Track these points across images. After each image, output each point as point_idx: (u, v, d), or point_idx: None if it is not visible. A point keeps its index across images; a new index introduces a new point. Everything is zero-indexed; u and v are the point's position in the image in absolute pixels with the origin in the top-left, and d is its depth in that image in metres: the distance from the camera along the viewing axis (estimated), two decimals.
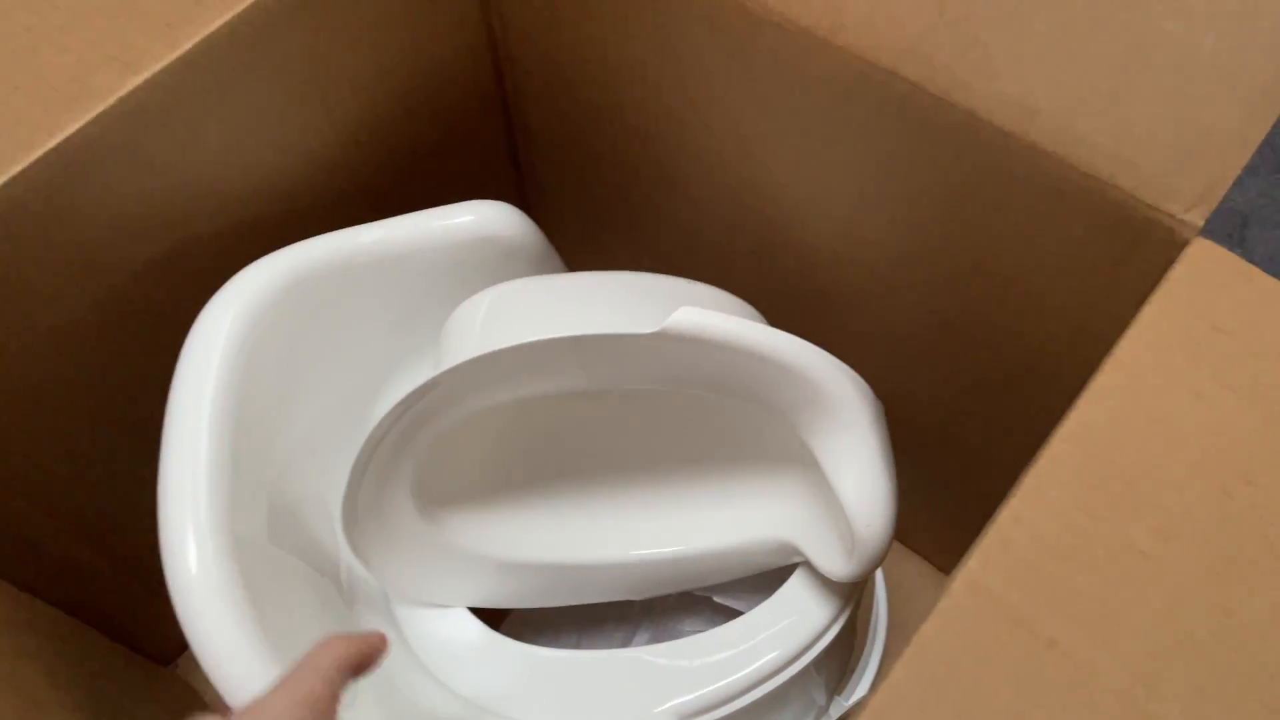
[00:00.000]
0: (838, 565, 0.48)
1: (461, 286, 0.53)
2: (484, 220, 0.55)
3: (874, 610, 0.62)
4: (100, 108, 0.44)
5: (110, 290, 0.50)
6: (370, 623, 0.52)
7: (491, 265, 0.55)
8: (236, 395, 0.46)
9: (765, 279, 0.60)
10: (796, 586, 0.51)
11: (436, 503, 0.52)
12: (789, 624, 0.50)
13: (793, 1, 0.45)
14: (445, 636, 0.53)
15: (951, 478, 0.64)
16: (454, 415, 0.47)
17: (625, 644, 0.59)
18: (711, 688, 0.49)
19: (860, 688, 0.56)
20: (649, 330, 0.43)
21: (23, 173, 0.43)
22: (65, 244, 0.47)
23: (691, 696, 0.49)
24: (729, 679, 0.49)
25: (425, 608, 0.53)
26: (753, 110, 0.51)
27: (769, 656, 0.49)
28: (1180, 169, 0.39)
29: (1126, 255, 0.40)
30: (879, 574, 0.65)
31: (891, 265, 0.53)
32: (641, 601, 0.58)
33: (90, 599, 0.60)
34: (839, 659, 0.54)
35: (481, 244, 0.55)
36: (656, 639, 0.59)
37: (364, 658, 0.36)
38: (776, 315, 0.54)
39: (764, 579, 0.54)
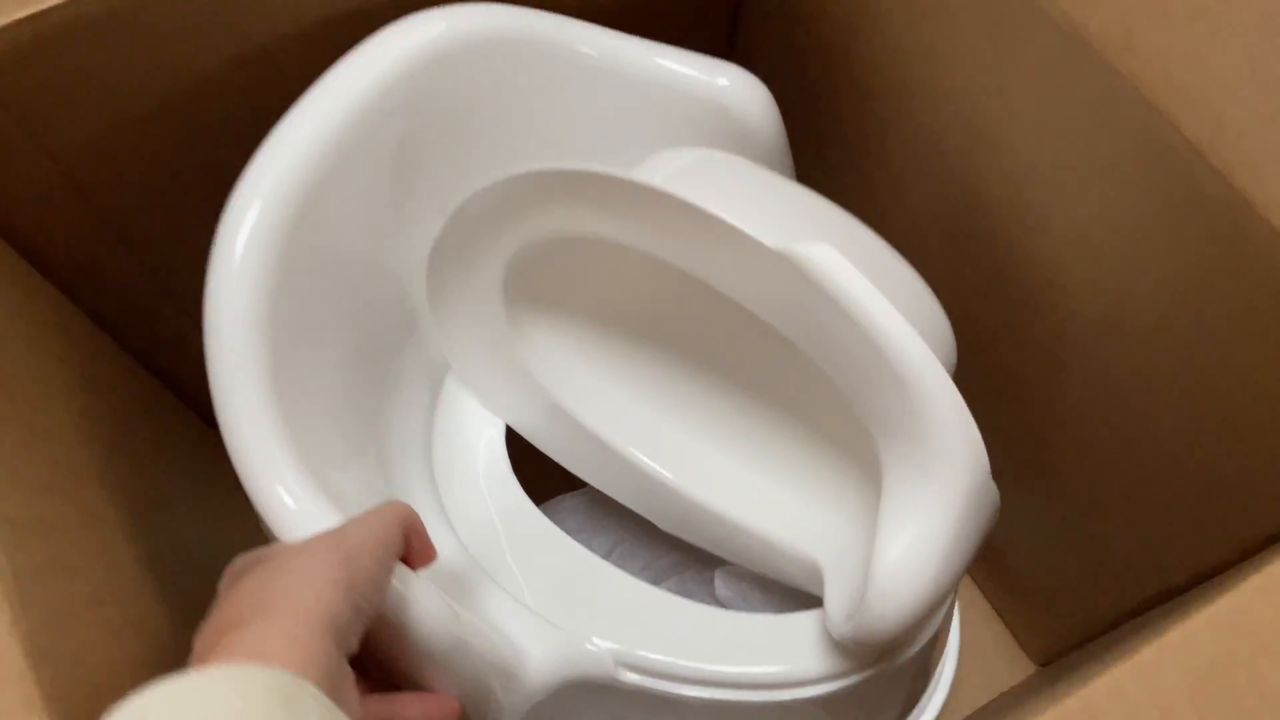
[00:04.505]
0: (836, 618, 0.41)
1: (666, 142, 0.48)
2: (737, 92, 0.49)
3: (943, 661, 0.57)
4: None
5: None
6: (406, 411, 0.50)
7: (719, 141, 0.49)
8: (368, 128, 0.43)
9: (949, 260, 0.53)
10: (814, 620, 0.45)
11: (524, 305, 0.48)
12: (776, 650, 0.44)
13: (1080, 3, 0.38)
14: (469, 451, 0.50)
15: (1082, 570, 0.58)
16: (567, 222, 0.42)
17: (656, 559, 0.55)
18: (660, 656, 0.43)
19: None
20: (770, 245, 0.37)
21: None
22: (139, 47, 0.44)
23: (638, 651, 0.43)
24: (681, 660, 0.43)
25: (462, 420, 0.51)
26: (991, 80, 0.45)
27: (731, 669, 0.43)
28: None
29: None
30: (954, 630, 0.59)
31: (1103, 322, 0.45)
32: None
33: (157, 353, 0.59)
34: (860, 707, 0.47)
35: (719, 115, 0.49)
36: (692, 581, 0.54)
37: (419, 538, 0.36)
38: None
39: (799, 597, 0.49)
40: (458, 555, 0.45)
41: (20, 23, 0.40)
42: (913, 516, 0.37)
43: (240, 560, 0.33)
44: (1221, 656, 0.29)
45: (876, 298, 0.37)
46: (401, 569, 0.34)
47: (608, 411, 0.50)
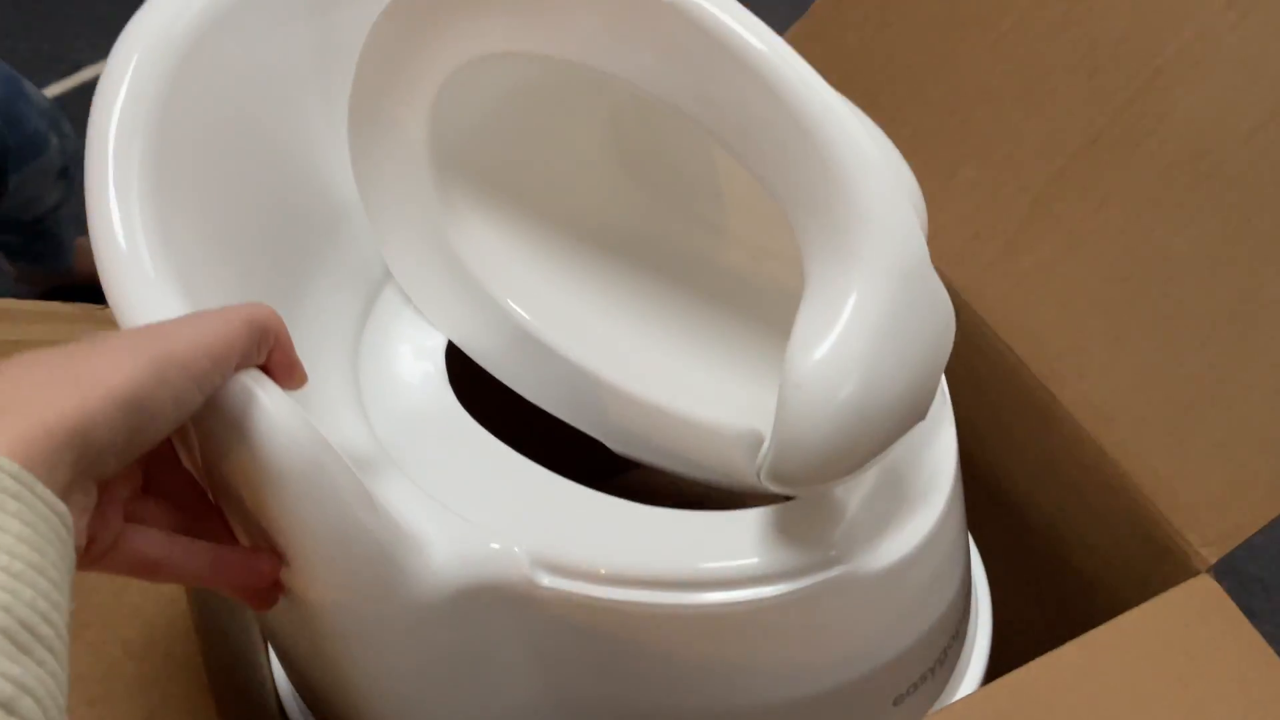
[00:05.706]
0: (761, 456, 0.36)
1: None
2: None
3: (972, 635, 0.51)
4: None
5: None
6: (329, 312, 0.46)
7: None
8: None
9: None
10: (765, 515, 0.40)
11: (456, 182, 0.45)
12: (716, 546, 0.39)
13: None
14: (400, 355, 0.47)
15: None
16: (474, 36, 0.39)
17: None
18: (581, 552, 0.38)
19: None
20: None
21: None
22: None
23: (557, 549, 0.38)
24: (603, 556, 0.38)
25: (398, 328, 0.48)
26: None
27: (657, 563, 0.38)
28: (1214, 508, 0.43)
29: (1150, 569, 0.43)
30: (984, 599, 0.54)
31: None
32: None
33: None
34: (842, 639, 0.42)
35: None
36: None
37: (281, 352, 0.31)
38: None
39: None
40: (364, 439, 0.42)
41: None
42: (829, 301, 0.33)
43: None
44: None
45: (772, 36, 0.32)
46: (256, 371, 0.30)
47: (546, 310, 0.47)
